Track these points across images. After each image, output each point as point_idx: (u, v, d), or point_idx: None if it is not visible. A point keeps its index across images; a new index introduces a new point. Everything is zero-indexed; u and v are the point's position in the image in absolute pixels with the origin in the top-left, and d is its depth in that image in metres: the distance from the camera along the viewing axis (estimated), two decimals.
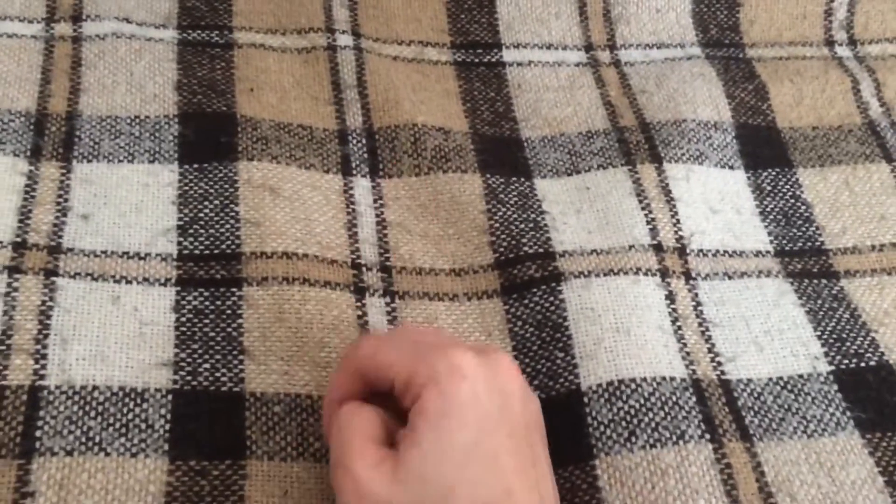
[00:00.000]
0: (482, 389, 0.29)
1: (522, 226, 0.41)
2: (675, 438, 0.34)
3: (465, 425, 0.28)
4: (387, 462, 0.28)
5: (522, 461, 0.29)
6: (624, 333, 0.37)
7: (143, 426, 0.33)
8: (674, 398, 0.35)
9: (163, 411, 0.34)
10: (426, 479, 0.27)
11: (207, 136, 0.41)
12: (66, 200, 0.38)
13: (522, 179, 0.43)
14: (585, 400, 0.35)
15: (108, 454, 0.32)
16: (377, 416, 0.30)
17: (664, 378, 0.36)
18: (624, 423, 0.35)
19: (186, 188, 0.40)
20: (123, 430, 0.33)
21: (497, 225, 0.41)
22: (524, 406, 0.30)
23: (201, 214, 0.39)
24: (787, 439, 0.36)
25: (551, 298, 0.38)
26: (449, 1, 0.48)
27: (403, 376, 0.29)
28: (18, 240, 0.36)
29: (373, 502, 0.27)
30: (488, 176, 0.42)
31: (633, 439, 0.34)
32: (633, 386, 0.35)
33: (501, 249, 0.40)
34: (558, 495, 0.30)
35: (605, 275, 0.39)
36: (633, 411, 0.35)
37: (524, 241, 0.40)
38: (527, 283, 0.39)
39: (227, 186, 0.40)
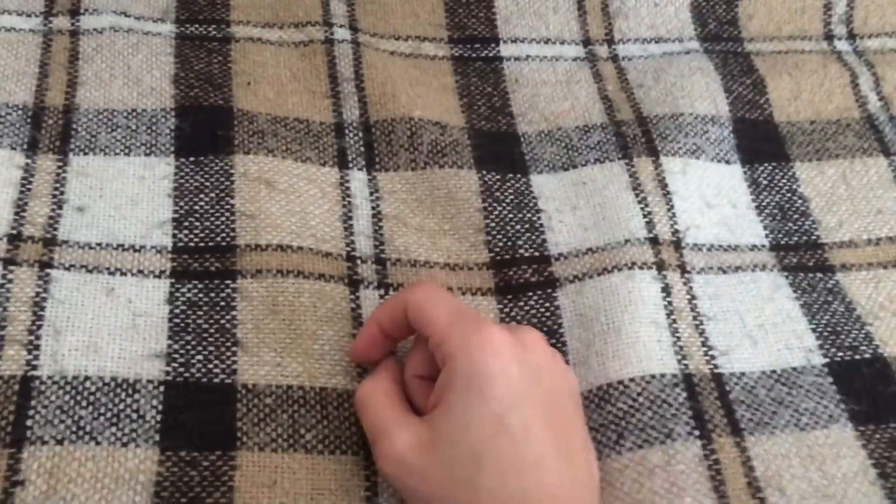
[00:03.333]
0: (512, 365, 0.30)
1: (518, 226, 0.41)
2: (662, 438, 0.34)
3: (492, 398, 0.30)
4: (421, 432, 0.31)
5: (552, 431, 0.30)
6: (615, 333, 0.37)
7: (135, 416, 0.33)
8: (663, 395, 0.35)
9: (154, 402, 0.34)
10: (457, 445, 0.30)
11: (204, 130, 0.41)
12: (62, 193, 0.38)
13: (518, 176, 0.43)
14: None
15: (98, 443, 0.32)
16: (396, 384, 0.34)
17: (653, 376, 0.36)
18: (613, 426, 0.35)
19: (182, 181, 0.40)
20: (114, 420, 0.33)
21: (493, 224, 0.41)
22: (555, 379, 0.32)
23: (196, 207, 0.39)
24: (778, 433, 0.36)
25: (546, 304, 0.39)
26: None
27: (438, 337, 0.31)
28: (14, 232, 0.37)
29: (415, 472, 0.30)
30: (484, 172, 0.42)
31: (622, 441, 0.34)
32: (622, 388, 0.36)
33: (497, 249, 0.40)
34: (595, 461, 0.32)
35: (599, 274, 0.39)
36: (621, 413, 0.35)
37: (520, 242, 0.40)
38: (522, 286, 0.39)
39: (222, 179, 0.40)
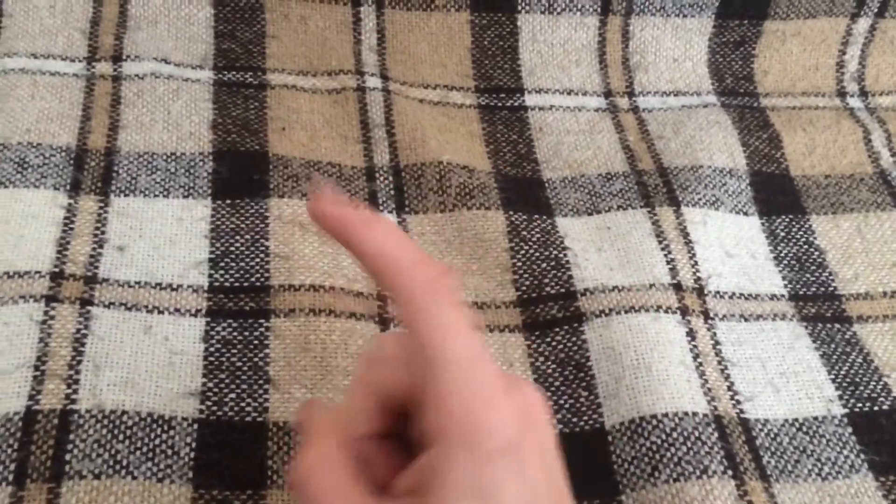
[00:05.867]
0: (527, 461, 0.23)
1: (544, 264, 0.42)
2: (698, 473, 0.35)
3: None
4: None
5: None
6: (645, 369, 0.38)
7: (170, 452, 0.34)
8: (696, 433, 0.36)
9: (188, 439, 0.34)
10: None
11: (240, 174, 0.43)
12: (102, 233, 0.40)
13: (545, 217, 0.44)
14: (609, 438, 0.36)
15: (135, 478, 0.33)
16: (343, 452, 0.25)
17: (686, 413, 0.36)
18: (647, 459, 0.35)
19: (219, 223, 0.41)
20: (150, 455, 0.34)
21: (520, 263, 0.42)
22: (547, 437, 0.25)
23: (232, 248, 0.40)
24: (801, 481, 0.36)
25: (573, 338, 0.39)
26: (473, 47, 0.50)
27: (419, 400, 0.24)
28: (56, 270, 0.38)
29: None
30: (511, 213, 0.44)
31: (657, 474, 0.35)
32: (655, 422, 0.36)
33: (524, 288, 0.41)
34: None
35: (626, 312, 0.40)
36: (654, 447, 0.35)
37: (546, 280, 0.41)
38: (549, 322, 0.40)
39: (258, 222, 0.41)
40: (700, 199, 0.45)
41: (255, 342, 0.37)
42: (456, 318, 0.24)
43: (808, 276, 0.44)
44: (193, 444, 0.34)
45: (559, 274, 0.42)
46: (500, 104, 0.49)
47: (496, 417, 0.23)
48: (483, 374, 0.23)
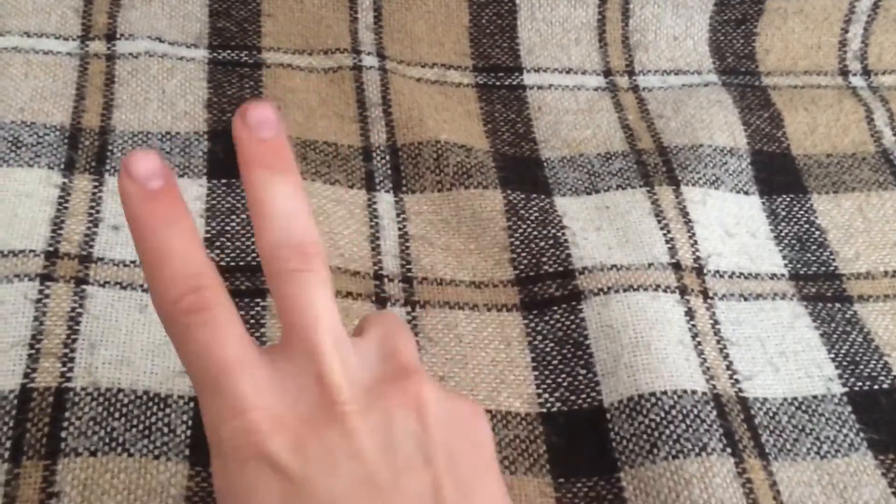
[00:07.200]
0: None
1: (542, 243, 0.42)
2: (697, 450, 0.35)
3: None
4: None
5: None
6: (644, 348, 0.37)
7: (166, 430, 0.34)
8: (695, 411, 0.36)
9: (185, 417, 0.34)
10: None
11: (236, 153, 0.42)
12: (97, 212, 0.39)
13: (543, 196, 0.44)
14: (608, 416, 0.36)
15: (131, 455, 0.33)
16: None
17: (685, 391, 0.36)
18: (646, 437, 0.35)
19: (214, 202, 0.41)
20: (146, 433, 0.34)
21: (517, 242, 0.42)
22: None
23: (228, 227, 0.40)
24: (800, 460, 0.36)
25: (571, 317, 0.39)
26: (471, 26, 0.50)
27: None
28: (51, 249, 0.37)
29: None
30: (509, 192, 0.43)
31: (656, 451, 0.35)
32: (654, 399, 0.36)
33: (522, 267, 0.41)
34: None
35: (624, 290, 0.39)
36: (654, 424, 0.35)
37: (544, 259, 0.41)
38: (547, 301, 0.40)
39: None
40: (700, 179, 0.45)
41: (252, 321, 0.37)
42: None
43: (808, 255, 0.44)
44: (189, 423, 0.34)
45: (557, 253, 0.41)
46: (498, 83, 0.49)
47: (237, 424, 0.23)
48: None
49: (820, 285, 0.43)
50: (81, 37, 0.45)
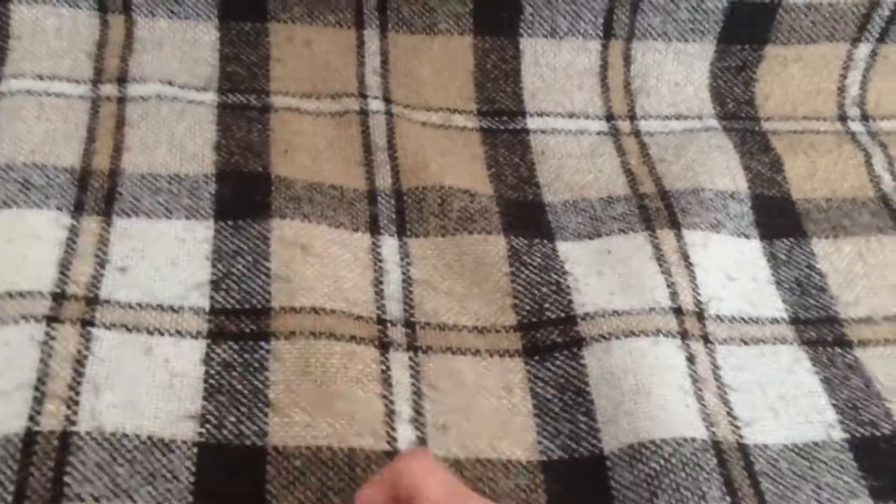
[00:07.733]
0: None
1: (545, 289, 0.42)
2: (696, 499, 0.35)
3: None
4: None
5: None
6: (644, 395, 0.38)
7: (169, 476, 0.34)
8: (694, 459, 0.36)
9: (188, 463, 0.34)
10: None
11: (243, 195, 0.43)
12: (105, 254, 0.40)
13: (545, 241, 0.44)
14: (608, 464, 0.36)
15: (134, 502, 0.33)
16: None
17: (685, 439, 0.36)
18: (645, 485, 0.35)
19: (221, 244, 0.41)
20: (150, 479, 0.34)
21: (520, 288, 0.42)
22: None
23: (234, 270, 0.40)
24: None
25: (573, 363, 0.39)
26: (476, 71, 0.50)
27: None
28: (58, 290, 0.38)
29: None
30: (512, 238, 0.44)
31: (656, 500, 0.35)
32: (654, 447, 0.36)
33: (524, 312, 0.41)
34: None
35: (625, 336, 0.40)
36: (654, 472, 0.35)
37: (546, 305, 0.41)
38: (549, 347, 0.40)
39: (259, 243, 0.41)
40: (701, 223, 0.45)
41: (256, 364, 0.38)
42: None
43: (808, 299, 0.44)
44: (193, 469, 0.34)
45: (559, 298, 0.42)
46: (502, 127, 0.50)
47: None
48: None
49: (820, 330, 0.43)
50: (93, 80, 0.46)
